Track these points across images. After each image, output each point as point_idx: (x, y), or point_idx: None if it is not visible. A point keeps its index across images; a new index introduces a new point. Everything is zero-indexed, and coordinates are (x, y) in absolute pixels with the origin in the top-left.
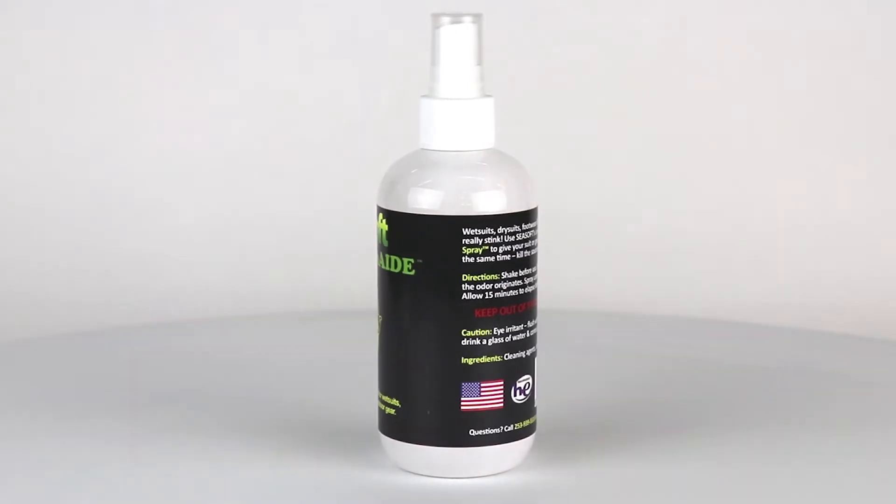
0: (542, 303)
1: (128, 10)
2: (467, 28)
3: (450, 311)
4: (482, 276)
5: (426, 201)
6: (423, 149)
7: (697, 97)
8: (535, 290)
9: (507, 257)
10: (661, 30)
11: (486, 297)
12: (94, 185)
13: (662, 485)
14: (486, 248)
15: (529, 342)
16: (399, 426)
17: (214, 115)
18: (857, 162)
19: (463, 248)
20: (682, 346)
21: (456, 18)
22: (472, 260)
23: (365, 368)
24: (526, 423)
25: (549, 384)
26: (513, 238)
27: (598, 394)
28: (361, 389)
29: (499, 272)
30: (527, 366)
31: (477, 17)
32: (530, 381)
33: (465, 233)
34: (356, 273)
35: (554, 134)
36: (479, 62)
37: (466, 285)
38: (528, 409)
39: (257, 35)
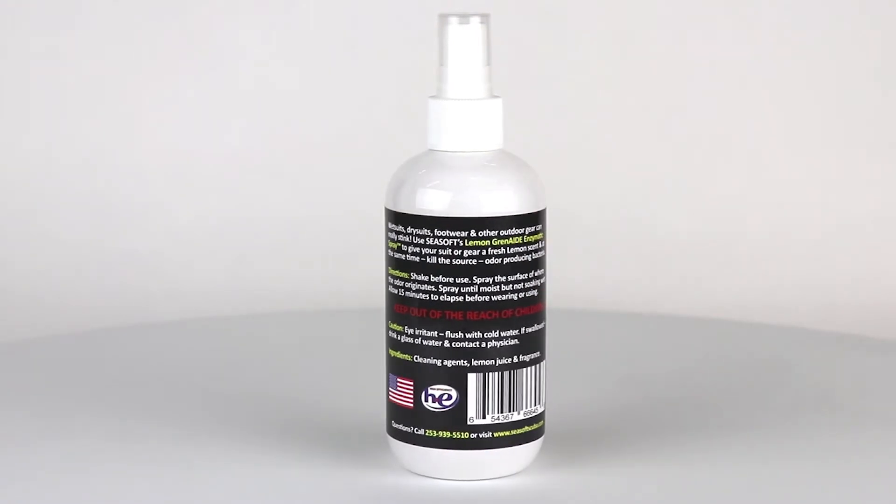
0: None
1: (128, 9)
2: (475, 28)
3: (385, 299)
4: (397, 272)
5: (432, 201)
6: (431, 150)
7: (698, 97)
8: (468, 302)
9: (416, 259)
10: (662, 31)
11: (399, 294)
12: (94, 185)
13: (663, 486)
14: (398, 245)
15: (450, 353)
16: None
17: (215, 114)
18: (858, 162)
19: (388, 242)
20: (682, 346)
21: (464, 19)
22: (391, 254)
23: (367, 368)
24: (445, 434)
25: (549, 384)
26: (422, 241)
27: (598, 394)
28: (363, 389)
29: (408, 272)
30: (445, 376)
31: (485, 18)
32: (453, 394)
33: (388, 226)
34: (357, 273)
35: (553, 134)
36: (488, 62)
37: (390, 278)
38: (448, 420)
39: (258, 35)
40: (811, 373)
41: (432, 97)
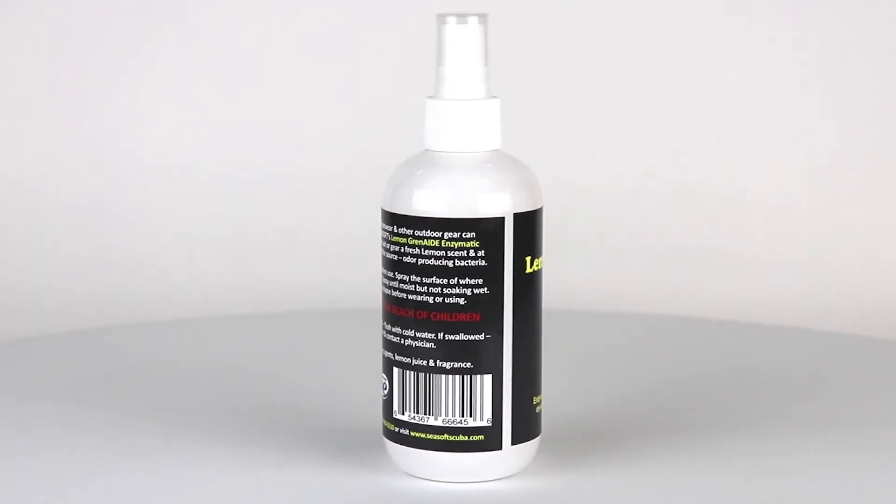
0: (543, 303)
1: (129, 9)
2: (473, 28)
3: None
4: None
5: (427, 202)
6: (427, 150)
7: (698, 98)
8: (392, 297)
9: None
10: (662, 30)
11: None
12: (94, 185)
13: (663, 487)
14: (382, 242)
15: (387, 345)
16: None
17: (215, 115)
18: (857, 162)
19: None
20: (681, 346)
21: (461, 19)
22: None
23: (366, 368)
24: (384, 422)
25: (549, 384)
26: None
27: (598, 394)
28: (363, 389)
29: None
30: (384, 367)
31: (483, 18)
32: (387, 384)
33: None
34: (357, 273)
35: (553, 134)
36: (486, 63)
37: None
38: (384, 409)
39: (258, 35)
40: (810, 373)
41: (430, 97)
